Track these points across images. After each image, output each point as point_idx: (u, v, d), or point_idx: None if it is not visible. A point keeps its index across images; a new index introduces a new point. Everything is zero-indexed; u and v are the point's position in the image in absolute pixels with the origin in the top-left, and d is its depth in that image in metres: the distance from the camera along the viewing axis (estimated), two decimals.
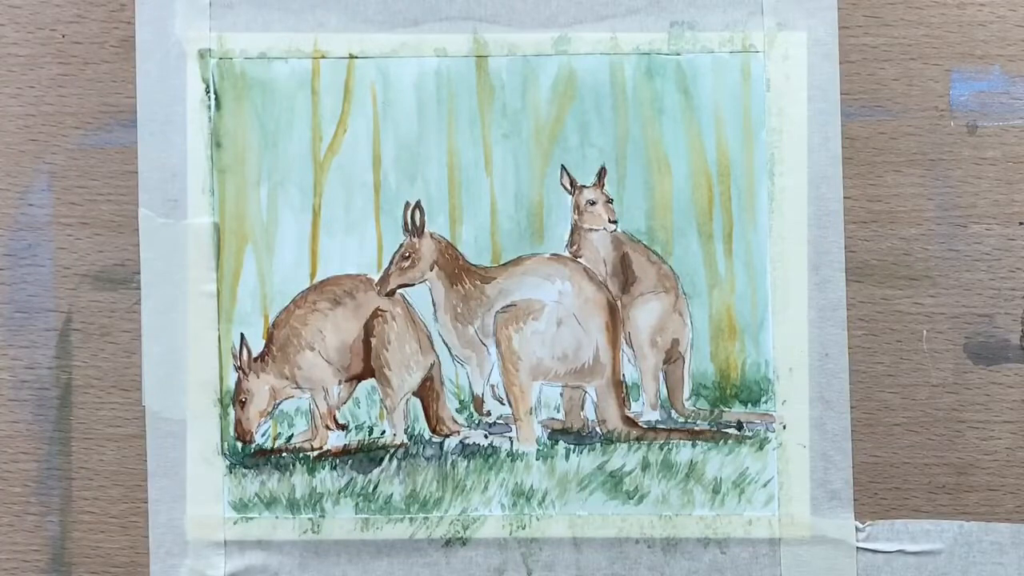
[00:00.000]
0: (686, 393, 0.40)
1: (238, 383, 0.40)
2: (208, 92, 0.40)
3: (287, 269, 0.40)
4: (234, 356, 0.40)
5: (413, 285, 0.40)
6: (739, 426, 0.40)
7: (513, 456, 0.40)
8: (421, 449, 0.40)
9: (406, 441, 0.40)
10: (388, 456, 0.40)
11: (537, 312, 0.40)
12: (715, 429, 0.40)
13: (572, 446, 0.40)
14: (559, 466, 0.40)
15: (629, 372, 0.40)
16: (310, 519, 0.40)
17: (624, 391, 0.40)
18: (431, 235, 0.40)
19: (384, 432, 0.40)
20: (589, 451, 0.40)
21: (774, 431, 0.40)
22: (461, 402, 0.40)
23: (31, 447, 0.40)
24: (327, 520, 0.40)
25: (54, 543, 0.40)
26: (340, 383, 0.40)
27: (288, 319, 0.40)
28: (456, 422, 0.40)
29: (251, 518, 0.40)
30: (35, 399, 0.40)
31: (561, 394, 0.40)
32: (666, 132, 0.40)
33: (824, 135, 0.40)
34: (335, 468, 0.40)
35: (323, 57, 0.40)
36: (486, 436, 0.40)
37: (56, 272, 0.40)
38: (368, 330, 0.40)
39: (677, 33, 0.40)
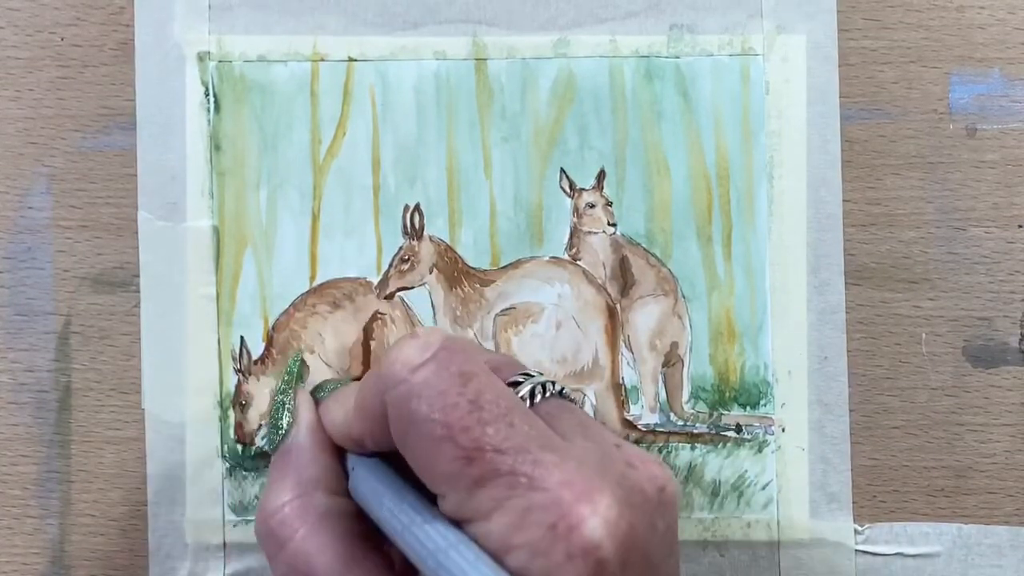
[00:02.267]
0: (685, 396, 0.40)
1: (238, 386, 0.40)
2: (207, 95, 0.40)
3: (287, 272, 0.40)
4: (234, 359, 0.40)
5: (412, 288, 0.40)
6: (738, 429, 0.40)
7: None
8: None
9: None
10: None
11: (536, 315, 0.40)
12: (714, 432, 0.40)
13: None
14: None
15: (628, 375, 0.40)
16: None
17: (623, 394, 0.40)
18: (430, 238, 0.40)
19: None
20: None
21: (773, 434, 0.40)
22: None
23: (30, 450, 0.40)
24: None
25: (53, 546, 0.40)
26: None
27: (288, 322, 0.40)
28: None
29: (251, 521, 0.39)
30: (34, 402, 0.40)
31: None
32: (665, 135, 0.40)
33: (823, 138, 0.40)
34: None
35: (322, 60, 0.40)
36: None
37: (55, 275, 0.40)
38: (367, 333, 0.40)
39: (676, 36, 0.40)
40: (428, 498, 0.28)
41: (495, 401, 0.26)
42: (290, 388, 0.34)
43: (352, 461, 0.31)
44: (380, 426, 0.28)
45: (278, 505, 0.30)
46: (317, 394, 0.35)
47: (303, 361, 0.37)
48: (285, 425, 0.33)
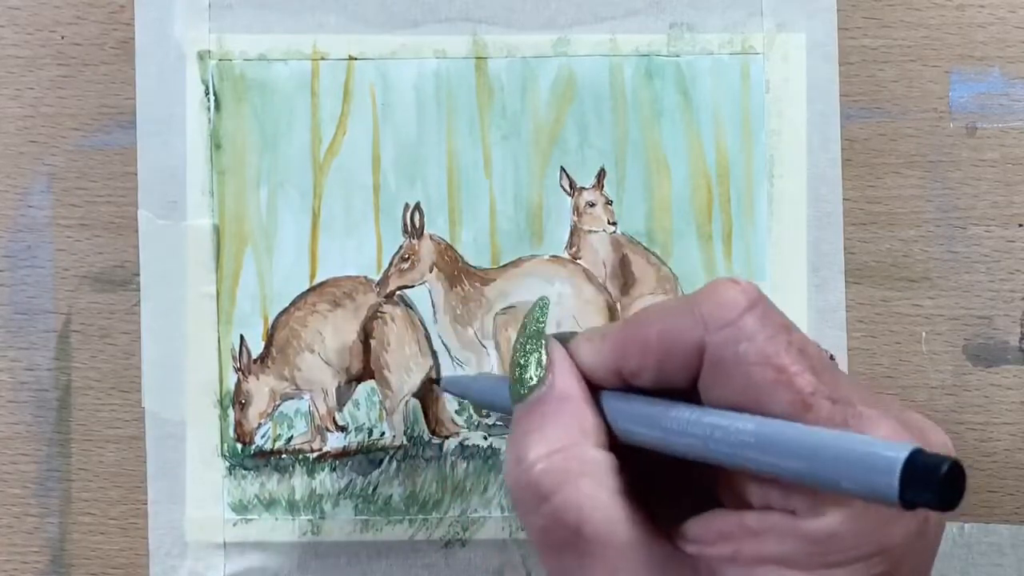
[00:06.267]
0: None
1: (238, 385, 0.40)
2: (208, 93, 0.40)
3: (287, 271, 0.40)
4: (234, 358, 0.40)
5: (412, 287, 0.40)
6: None
7: None
8: (420, 451, 0.40)
9: (405, 443, 0.40)
10: (388, 458, 0.40)
11: None
12: None
13: None
14: None
15: None
16: (310, 520, 0.40)
17: None
18: (430, 237, 0.40)
19: (384, 434, 0.40)
20: None
21: None
22: (461, 404, 0.40)
23: (30, 448, 0.40)
24: (327, 521, 0.40)
25: (53, 544, 0.40)
26: (340, 385, 0.40)
27: (288, 321, 0.40)
28: (455, 424, 0.40)
29: (251, 520, 0.40)
30: (35, 400, 0.40)
31: None
32: (665, 134, 0.40)
33: (823, 137, 0.40)
34: (335, 470, 0.40)
35: (322, 59, 0.40)
36: (485, 438, 0.40)
37: (56, 274, 0.40)
38: (367, 332, 0.40)
39: (676, 35, 0.40)
40: None
41: (818, 353, 0.26)
42: (540, 334, 0.31)
43: (606, 395, 0.29)
44: (676, 363, 0.27)
45: (541, 455, 0.27)
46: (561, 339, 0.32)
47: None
48: (537, 375, 0.30)
